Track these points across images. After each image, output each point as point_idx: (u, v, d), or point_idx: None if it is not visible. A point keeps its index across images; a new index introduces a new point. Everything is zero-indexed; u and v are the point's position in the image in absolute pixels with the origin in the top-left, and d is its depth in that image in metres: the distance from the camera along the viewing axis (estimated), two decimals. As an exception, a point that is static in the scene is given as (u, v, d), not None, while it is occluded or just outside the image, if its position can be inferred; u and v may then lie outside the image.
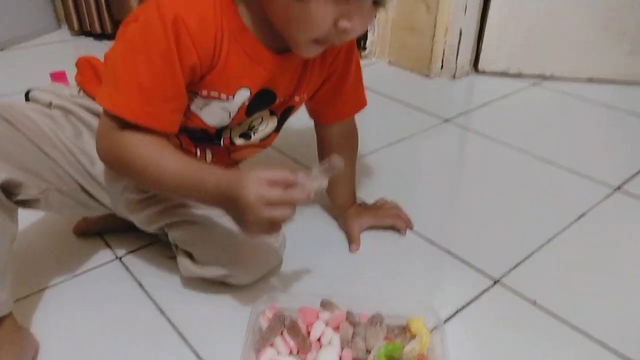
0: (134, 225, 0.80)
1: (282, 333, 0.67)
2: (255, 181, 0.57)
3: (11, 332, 0.64)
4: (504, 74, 1.64)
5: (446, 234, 0.91)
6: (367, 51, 1.72)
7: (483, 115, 1.39)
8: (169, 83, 0.62)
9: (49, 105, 0.72)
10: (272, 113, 0.78)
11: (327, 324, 0.68)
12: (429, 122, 1.33)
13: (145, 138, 0.63)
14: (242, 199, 0.57)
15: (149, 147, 0.63)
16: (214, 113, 0.71)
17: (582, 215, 0.96)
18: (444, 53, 1.59)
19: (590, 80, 1.59)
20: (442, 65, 1.61)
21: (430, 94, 1.54)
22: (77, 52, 1.78)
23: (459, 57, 1.60)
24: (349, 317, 0.69)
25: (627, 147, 1.24)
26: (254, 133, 0.78)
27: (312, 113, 0.87)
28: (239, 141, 0.78)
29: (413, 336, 0.67)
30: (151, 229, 0.78)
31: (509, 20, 1.57)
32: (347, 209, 0.91)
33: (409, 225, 0.91)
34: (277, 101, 0.75)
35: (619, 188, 1.05)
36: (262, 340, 0.66)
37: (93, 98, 0.72)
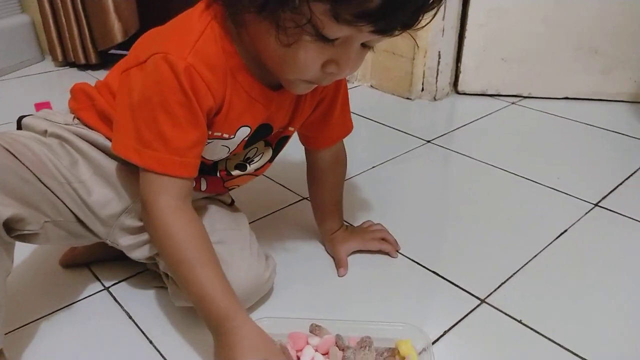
0: (120, 254, 0.80)
1: None
2: None
3: None
4: (483, 95, 1.68)
5: (432, 255, 0.92)
6: (349, 75, 1.75)
7: (464, 135, 1.42)
8: (193, 131, 0.64)
9: (44, 133, 0.72)
10: (267, 144, 0.79)
11: (316, 349, 0.69)
12: (412, 143, 1.35)
13: (182, 220, 0.65)
14: None
15: (187, 240, 0.65)
16: (214, 150, 0.72)
17: (563, 232, 0.98)
18: (424, 75, 1.63)
19: (566, 98, 1.64)
20: (422, 88, 1.65)
21: (412, 116, 1.57)
22: (61, 83, 1.79)
23: (438, 79, 1.64)
24: (338, 342, 0.69)
25: (605, 163, 1.27)
26: (249, 164, 0.80)
27: (302, 139, 0.89)
28: (235, 172, 0.79)
29: (402, 359, 0.68)
30: (142, 256, 0.78)
31: (485, 42, 1.61)
32: (334, 233, 0.92)
33: (396, 247, 0.92)
34: (273, 133, 0.77)
35: (598, 204, 1.07)
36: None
37: (88, 126, 0.73)
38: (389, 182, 1.17)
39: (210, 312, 0.63)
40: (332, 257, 0.91)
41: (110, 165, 0.73)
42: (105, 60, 1.86)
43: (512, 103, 1.63)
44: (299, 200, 1.09)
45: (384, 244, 0.91)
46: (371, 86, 1.76)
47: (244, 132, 0.71)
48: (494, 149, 1.32)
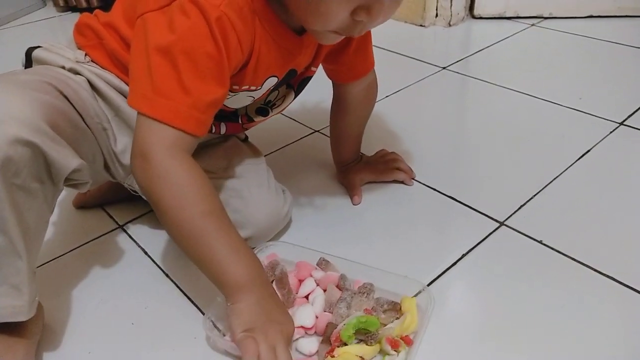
0: (130, 195, 0.79)
1: (272, 282, 0.67)
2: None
3: None
4: (501, 18, 1.59)
5: (450, 180, 0.90)
6: (359, 4, 1.68)
7: (481, 60, 1.36)
8: (216, 87, 0.58)
9: (62, 69, 0.66)
10: (288, 86, 0.75)
11: (318, 283, 0.68)
12: (427, 71, 1.30)
13: (189, 178, 0.57)
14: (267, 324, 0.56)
15: (190, 198, 0.56)
16: (239, 101, 0.69)
17: (586, 152, 0.94)
18: (437, 0, 1.54)
19: (590, 16, 1.54)
20: (436, 13, 1.57)
21: (426, 43, 1.50)
22: (64, 29, 1.75)
23: (453, 3, 1.55)
24: (340, 281, 0.66)
25: (631, 81, 1.21)
26: (271, 108, 0.76)
27: (328, 73, 0.83)
28: (257, 118, 0.76)
29: (402, 314, 0.63)
30: None
31: (503, -40, 1.51)
32: (348, 164, 0.89)
33: (410, 175, 0.90)
34: (297, 73, 0.73)
35: (623, 122, 1.03)
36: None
37: (100, 66, 0.68)
38: (404, 110, 1.13)
39: (217, 277, 0.58)
40: (346, 188, 0.89)
41: (128, 108, 0.67)
42: (107, 2, 1.80)
43: (532, 25, 1.54)
44: (310, 134, 1.06)
45: (398, 173, 0.89)
46: (382, 15, 1.68)
47: (270, 82, 0.68)
48: (513, 73, 1.26)
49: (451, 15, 1.57)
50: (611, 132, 1.00)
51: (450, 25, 1.57)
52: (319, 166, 0.95)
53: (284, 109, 0.79)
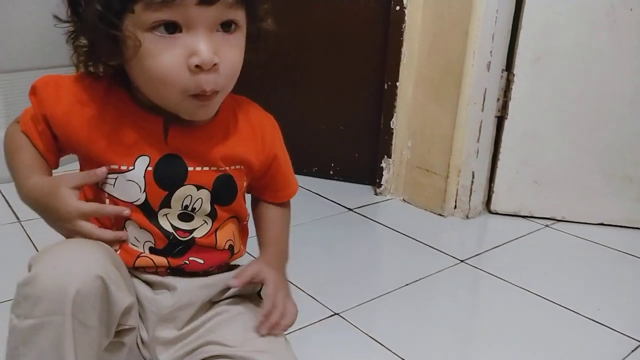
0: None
1: None
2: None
3: None
4: (516, 215, 1.68)
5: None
6: (382, 188, 1.79)
7: (497, 256, 1.40)
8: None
9: None
10: (199, 188, 0.72)
11: None
12: (444, 262, 1.34)
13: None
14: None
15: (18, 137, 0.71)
16: (123, 187, 0.69)
17: (607, 371, 0.93)
18: (457, 193, 1.65)
19: (601, 224, 1.62)
20: (455, 205, 1.66)
21: (444, 233, 1.57)
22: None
23: (471, 198, 1.66)
24: None
25: (646, 296, 1.23)
26: (195, 213, 0.72)
27: (251, 190, 0.84)
28: (180, 224, 0.71)
29: None
30: None
31: (519, 165, 1.64)
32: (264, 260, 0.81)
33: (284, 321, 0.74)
34: (193, 169, 0.71)
35: (643, 341, 1.03)
36: None
37: None
38: (421, 301, 1.15)
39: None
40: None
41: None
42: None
43: (546, 226, 1.62)
44: (330, 316, 1.07)
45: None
46: (403, 200, 1.78)
47: (143, 162, 0.68)
48: (529, 273, 1.29)
49: (469, 208, 1.66)
50: (633, 351, 0.99)
51: (467, 217, 1.66)
52: (337, 355, 0.94)
53: (211, 212, 0.74)
